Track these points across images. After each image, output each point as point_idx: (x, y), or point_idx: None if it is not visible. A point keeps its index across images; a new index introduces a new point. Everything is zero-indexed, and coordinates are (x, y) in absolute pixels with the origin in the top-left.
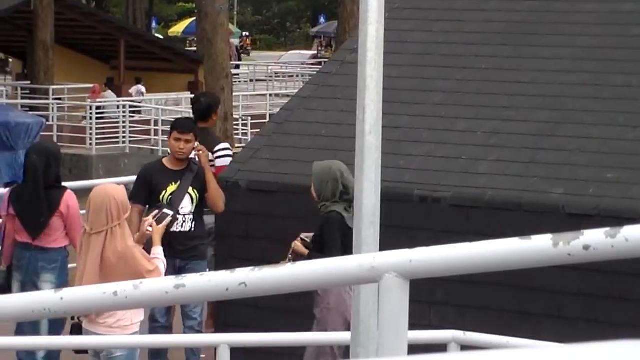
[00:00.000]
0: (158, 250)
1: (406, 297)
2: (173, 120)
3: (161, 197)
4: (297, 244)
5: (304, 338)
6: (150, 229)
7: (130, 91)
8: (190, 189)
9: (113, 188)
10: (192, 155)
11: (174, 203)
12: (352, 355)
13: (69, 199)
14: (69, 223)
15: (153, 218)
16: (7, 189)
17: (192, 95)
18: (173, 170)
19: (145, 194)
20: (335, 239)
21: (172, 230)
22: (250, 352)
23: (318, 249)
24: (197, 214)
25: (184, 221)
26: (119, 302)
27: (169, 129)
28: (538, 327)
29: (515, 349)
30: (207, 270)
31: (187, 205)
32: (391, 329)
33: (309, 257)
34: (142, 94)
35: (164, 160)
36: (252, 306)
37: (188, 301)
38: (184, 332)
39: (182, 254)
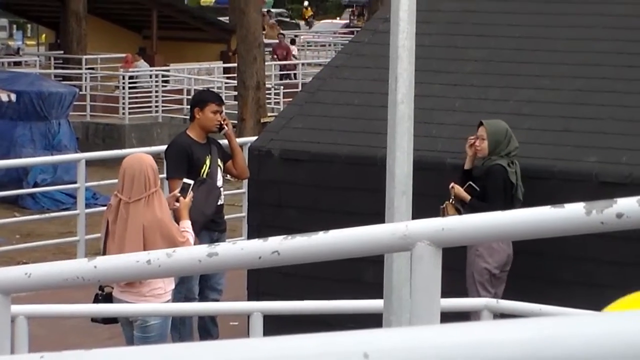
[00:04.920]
0: (186, 224)
1: (439, 265)
2: (201, 92)
3: (202, 171)
4: (457, 187)
5: (337, 306)
6: (177, 203)
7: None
8: (219, 161)
9: (146, 156)
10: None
11: (212, 177)
12: (384, 323)
13: None
14: None
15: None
16: None
17: (224, 65)
18: (203, 144)
19: (186, 169)
20: (499, 190)
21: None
22: (283, 320)
23: (480, 199)
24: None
25: (220, 194)
26: (152, 270)
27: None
28: (570, 295)
29: (548, 317)
30: None
31: (220, 178)
32: (424, 297)
33: (471, 203)
34: (295, 57)
35: (191, 134)
36: (284, 274)
37: (220, 269)
38: None
39: (219, 226)
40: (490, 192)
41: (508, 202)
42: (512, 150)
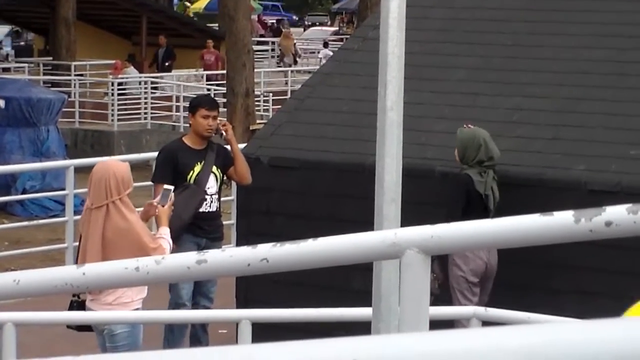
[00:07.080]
0: (164, 231)
1: (427, 272)
2: (195, 97)
3: (188, 177)
4: None
5: (325, 313)
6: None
7: (320, 56)
8: (214, 168)
9: (114, 163)
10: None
11: (200, 183)
12: (373, 330)
13: None
14: None
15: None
16: None
17: (214, 72)
18: (197, 150)
19: (172, 175)
20: (457, 199)
21: (200, 210)
22: (271, 328)
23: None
24: (220, 194)
25: (211, 201)
26: (140, 277)
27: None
28: (559, 303)
29: (536, 325)
30: None
31: (213, 185)
32: (412, 305)
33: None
34: None
35: (185, 140)
36: (273, 282)
37: (209, 276)
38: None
39: (209, 234)
40: (449, 201)
41: (480, 212)
42: (485, 159)
